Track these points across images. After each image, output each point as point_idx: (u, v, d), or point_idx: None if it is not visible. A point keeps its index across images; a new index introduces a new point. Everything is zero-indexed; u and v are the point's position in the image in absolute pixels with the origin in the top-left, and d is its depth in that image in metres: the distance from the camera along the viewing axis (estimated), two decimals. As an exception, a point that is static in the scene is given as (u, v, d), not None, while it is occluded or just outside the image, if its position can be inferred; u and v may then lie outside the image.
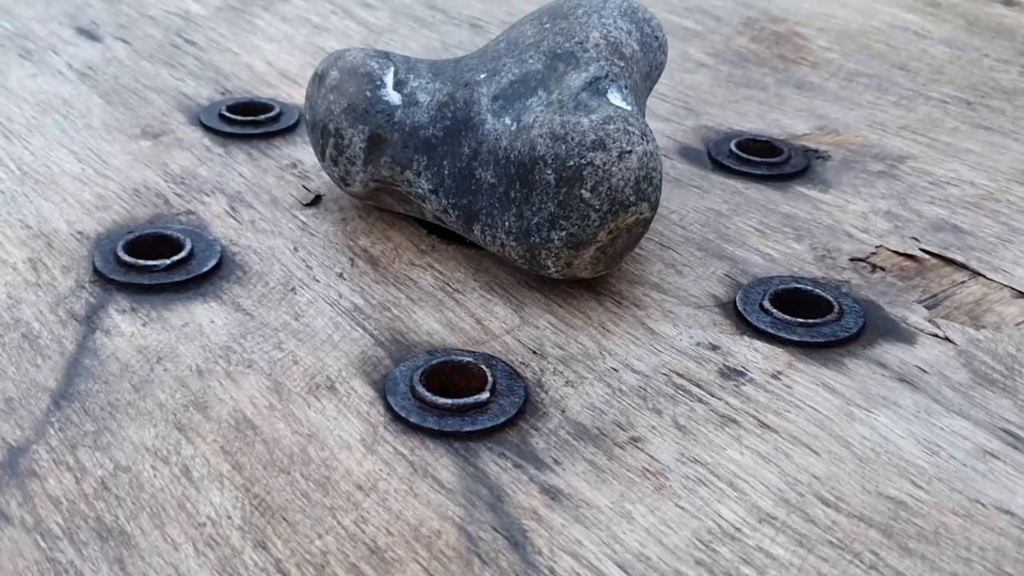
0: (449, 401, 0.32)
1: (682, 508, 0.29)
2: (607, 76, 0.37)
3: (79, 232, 0.40)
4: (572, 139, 0.35)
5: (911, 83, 0.56)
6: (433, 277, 0.39)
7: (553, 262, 0.36)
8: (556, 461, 0.31)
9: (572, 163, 0.35)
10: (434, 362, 0.33)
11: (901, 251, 0.42)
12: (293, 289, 0.37)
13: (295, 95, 0.51)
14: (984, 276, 0.40)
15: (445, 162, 0.38)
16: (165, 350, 0.34)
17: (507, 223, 0.36)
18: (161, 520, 0.28)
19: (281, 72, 0.54)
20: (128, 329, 0.35)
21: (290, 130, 0.48)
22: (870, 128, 0.52)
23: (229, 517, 0.28)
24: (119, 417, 0.31)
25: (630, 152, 0.35)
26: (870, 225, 0.43)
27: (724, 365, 0.35)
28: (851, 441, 0.32)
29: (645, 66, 0.40)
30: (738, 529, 0.29)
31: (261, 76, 0.53)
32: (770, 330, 0.36)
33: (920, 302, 0.39)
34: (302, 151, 0.46)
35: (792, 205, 0.44)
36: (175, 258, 0.37)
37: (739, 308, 0.37)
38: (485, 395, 0.32)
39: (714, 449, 0.31)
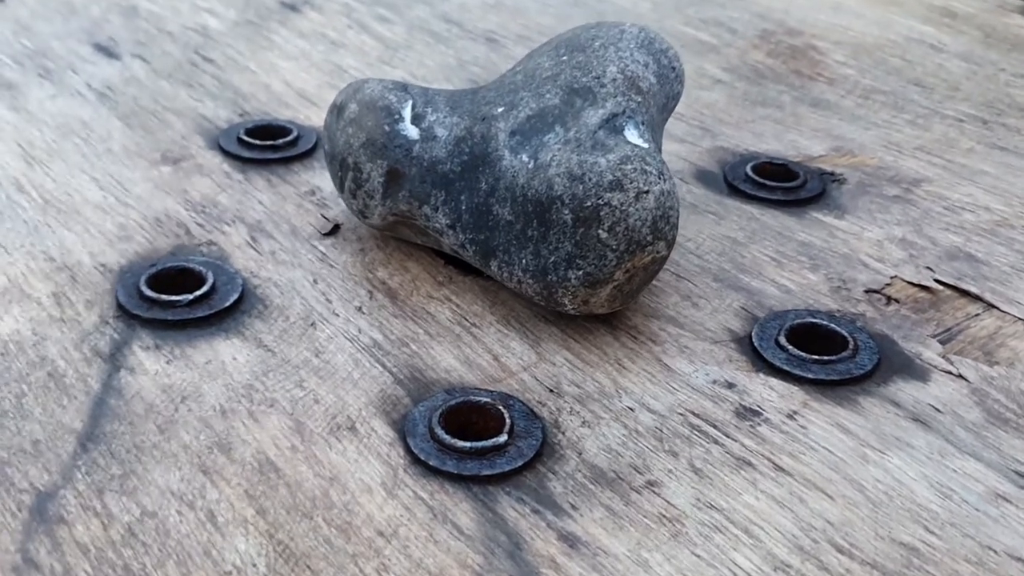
0: (468, 444, 0.32)
1: (698, 556, 0.30)
2: (624, 112, 0.38)
3: (102, 265, 0.40)
4: (589, 180, 0.35)
5: (927, 100, 0.56)
6: (451, 311, 0.39)
7: (570, 300, 0.36)
8: (574, 506, 0.31)
9: (589, 203, 0.35)
10: (452, 403, 0.34)
11: (915, 282, 0.42)
12: (313, 324, 0.38)
13: (312, 117, 0.52)
14: (998, 308, 0.41)
15: (463, 197, 0.38)
16: (189, 389, 0.34)
17: (524, 260, 0.37)
18: (188, 568, 0.28)
19: (299, 92, 0.54)
20: (152, 367, 0.35)
21: (308, 154, 0.48)
22: (886, 149, 0.52)
23: (254, 565, 0.29)
24: (144, 460, 0.32)
25: (647, 192, 0.35)
26: (885, 254, 0.43)
27: (740, 404, 0.35)
28: (865, 484, 0.32)
29: (662, 98, 0.41)
30: (753, 577, 0.29)
31: (279, 96, 0.54)
32: (786, 367, 0.37)
33: (934, 336, 0.39)
34: (320, 177, 0.47)
35: (808, 232, 0.45)
36: (198, 293, 0.38)
37: (755, 344, 0.38)
38: (503, 437, 0.33)
39: (730, 494, 0.32)
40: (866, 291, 0.41)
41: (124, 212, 0.44)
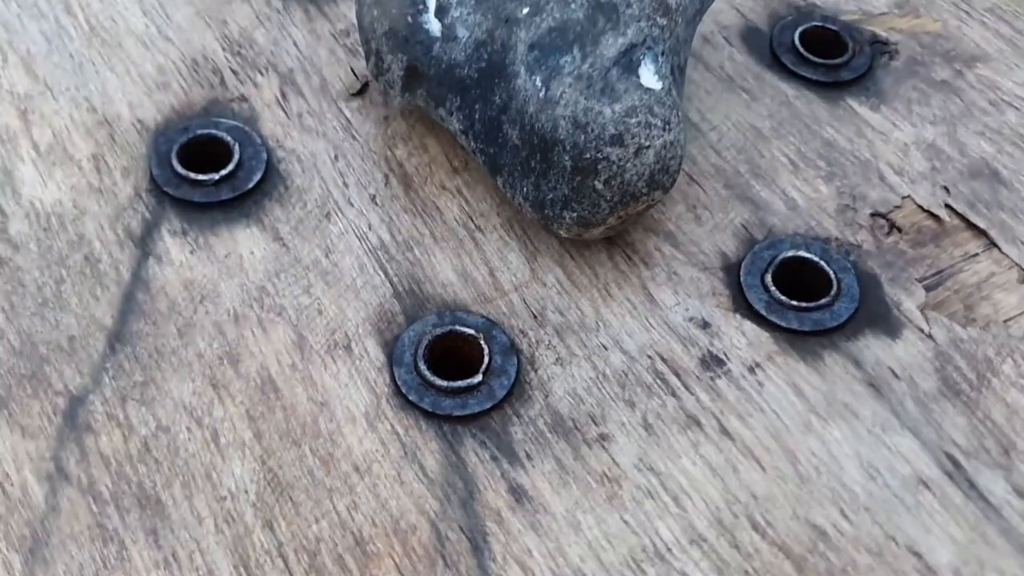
0: (444, 383, 0.36)
1: (626, 522, 0.34)
2: (644, 42, 0.37)
3: (139, 121, 0.42)
4: (592, 130, 0.36)
5: (1024, -66, 0.52)
6: (459, 208, 0.41)
7: (564, 232, 0.38)
8: (528, 456, 0.35)
9: (588, 155, 0.36)
10: (439, 332, 0.37)
11: (925, 206, 0.42)
12: (328, 215, 0.40)
13: (363, -84, 0.50)
14: (999, 248, 0.41)
15: (477, 106, 0.39)
16: (208, 287, 0.38)
17: (525, 189, 0.38)
18: (191, 490, 0.34)
19: None
20: (177, 256, 0.39)
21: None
22: (954, 7, 0.49)
23: (246, 491, 0.34)
24: (163, 367, 0.36)
25: (648, 147, 0.36)
26: (907, 164, 0.43)
27: (708, 351, 0.38)
28: (799, 457, 0.35)
29: (696, 4, 0.39)
30: (669, 550, 0.33)
31: None
32: (763, 311, 0.39)
33: (922, 280, 0.40)
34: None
35: (836, 127, 0.44)
36: (223, 172, 0.40)
37: (741, 279, 0.39)
38: (478, 377, 0.36)
39: (671, 456, 0.35)
40: (872, 214, 0.42)
41: (164, 49, 0.45)
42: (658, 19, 0.37)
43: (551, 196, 0.37)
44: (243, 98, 0.43)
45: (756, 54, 0.47)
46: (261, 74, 0.44)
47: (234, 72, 0.44)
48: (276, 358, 0.37)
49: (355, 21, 0.46)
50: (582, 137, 0.36)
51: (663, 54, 0.37)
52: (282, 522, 0.33)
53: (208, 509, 0.33)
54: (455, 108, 0.39)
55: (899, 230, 0.41)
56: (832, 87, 0.46)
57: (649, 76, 0.37)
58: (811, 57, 0.46)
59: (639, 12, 0.37)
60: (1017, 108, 0.45)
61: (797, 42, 0.46)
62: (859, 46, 0.47)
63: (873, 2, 0.49)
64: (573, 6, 0.38)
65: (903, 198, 0.42)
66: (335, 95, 0.44)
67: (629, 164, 0.36)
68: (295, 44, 0.45)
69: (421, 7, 0.39)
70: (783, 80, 0.46)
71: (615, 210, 0.37)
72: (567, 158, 0.36)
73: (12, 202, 0.40)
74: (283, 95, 0.44)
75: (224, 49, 0.45)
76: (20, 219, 0.39)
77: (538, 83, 0.37)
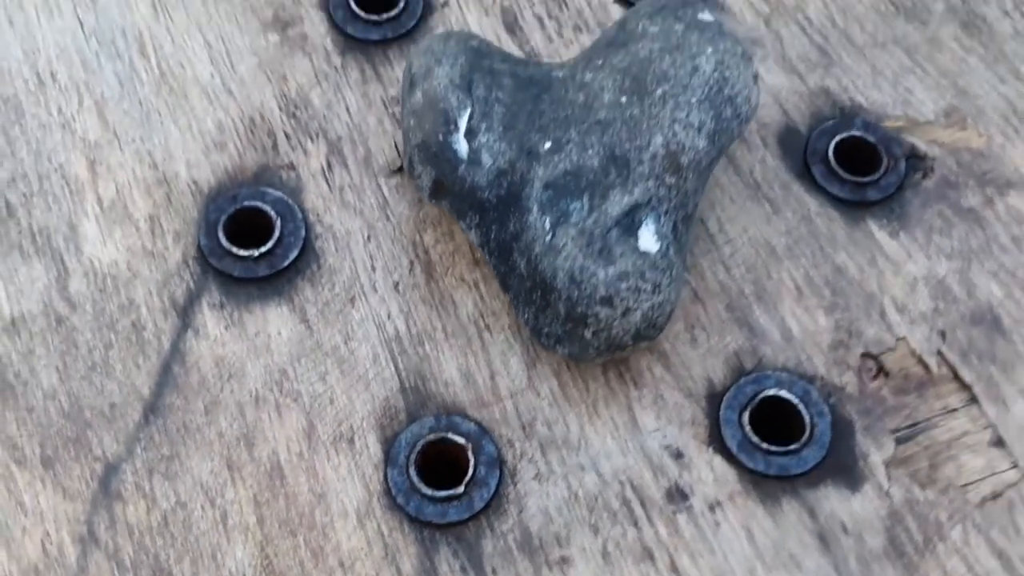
0: (429, 491, 0.40)
1: (568, 647, 0.38)
2: (649, 202, 0.39)
3: (195, 182, 0.46)
4: (585, 289, 0.38)
5: (1100, 37, 0.51)
6: (473, 303, 0.44)
7: (559, 360, 0.41)
8: (494, 571, 0.39)
9: (580, 310, 0.39)
10: (432, 438, 0.41)
11: (918, 352, 0.44)
12: (352, 299, 0.44)
13: (431, -39, 0.52)
14: (979, 406, 0.43)
15: (493, 227, 0.41)
16: (236, 366, 0.43)
17: (527, 315, 0.41)
18: (198, 568, 0.39)
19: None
20: (213, 331, 0.43)
21: (410, 33, 0.50)
22: (1005, 121, 0.49)
23: (244, 572, 0.39)
24: (188, 443, 0.41)
25: (636, 310, 0.38)
26: (911, 301, 0.45)
27: (676, 483, 0.41)
28: (737, 602, 0.39)
29: (713, 152, 0.41)
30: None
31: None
32: (734, 449, 0.41)
33: (895, 432, 0.42)
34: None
35: (849, 254, 0.46)
36: (263, 249, 0.44)
37: (721, 412, 0.42)
38: (461, 489, 0.40)
39: (622, 588, 0.39)
40: (863, 354, 0.44)
41: (225, 104, 0.48)
42: (667, 178, 0.39)
43: (547, 330, 0.40)
44: (291, 166, 0.47)
45: (789, 159, 0.48)
46: (311, 140, 0.47)
47: (287, 136, 0.47)
48: (287, 444, 0.41)
49: (407, 86, 0.48)
50: (576, 292, 0.38)
51: (666, 213, 0.39)
52: (271, 607, 0.39)
53: (211, 587, 0.39)
54: (474, 224, 0.42)
55: (886, 374, 0.43)
56: (857, 206, 0.47)
57: (648, 237, 0.39)
58: (841, 172, 0.47)
59: (649, 171, 0.39)
60: (1038, 247, 0.46)
61: (831, 153, 0.47)
62: (893, 161, 0.47)
63: (921, 107, 0.49)
64: (590, 152, 0.40)
65: (898, 339, 0.44)
66: (377, 169, 0.47)
67: (616, 323, 0.38)
68: (347, 109, 0.48)
69: (452, 127, 0.41)
70: (809, 192, 0.47)
71: (602, 355, 0.40)
72: (561, 306, 0.39)
73: (74, 259, 0.44)
74: (329, 165, 0.47)
75: (281, 109, 0.48)
76: (79, 277, 0.44)
77: (547, 225, 0.40)
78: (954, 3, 0.52)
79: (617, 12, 0.51)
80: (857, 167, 0.47)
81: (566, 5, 0.51)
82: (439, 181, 0.42)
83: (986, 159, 0.48)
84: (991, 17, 0.51)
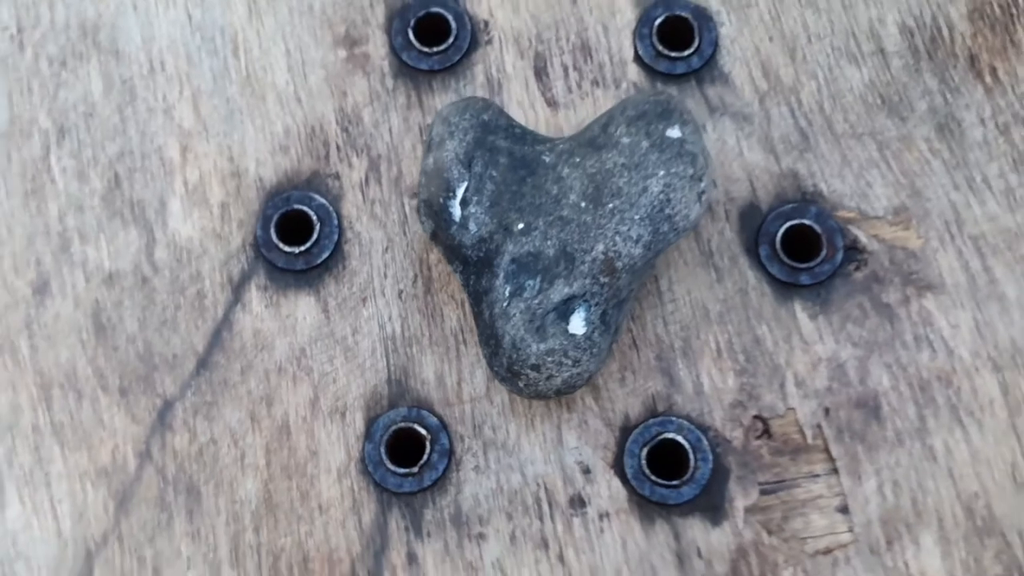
0: (393, 467, 0.53)
1: (470, 601, 0.52)
2: (583, 295, 0.49)
3: (260, 179, 0.58)
4: (520, 355, 0.49)
5: (1060, 158, 0.57)
6: (457, 319, 0.56)
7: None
8: (428, 534, 0.53)
9: (515, 368, 0.50)
10: (402, 425, 0.54)
11: (801, 423, 0.54)
12: (364, 300, 0.56)
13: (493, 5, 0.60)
14: (837, 476, 0.53)
15: (472, 278, 0.52)
16: (268, 340, 0.55)
17: (484, 351, 0.52)
18: (219, 490, 0.54)
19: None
20: (256, 308, 0.56)
21: (455, 67, 0.59)
22: (946, 227, 0.56)
23: (250, 502, 0.53)
24: (225, 395, 0.55)
25: (557, 377, 0.50)
26: (810, 379, 0.54)
27: (579, 493, 0.53)
28: (602, 593, 0.52)
29: (647, 257, 0.50)
30: (489, 628, 0.52)
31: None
32: (629, 476, 0.53)
33: (762, 485, 0.53)
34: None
35: (770, 328, 0.55)
36: (302, 248, 0.56)
37: (627, 444, 0.54)
38: (416, 469, 0.53)
39: (518, 565, 0.52)
40: (755, 416, 0.54)
41: (294, 111, 0.58)
42: (601, 278, 0.49)
43: (495, 369, 0.52)
44: (337, 176, 0.58)
45: (744, 234, 0.56)
46: (357, 155, 0.58)
47: (338, 148, 0.58)
48: (296, 408, 0.55)
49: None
50: (514, 355, 0.50)
51: (596, 304, 0.50)
52: (264, 530, 0.53)
53: (225, 507, 0.54)
54: (459, 270, 0.53)
55: (769, 436, 0.54)
56: (789, 287, 0.56)
57: (577, 322, 0.49)
58: (782, 255, 0.55)
59: (588, 271, 0.49)
60: (934, 349, 0.54)
61: (779, 236, 0.56)
62: (833, 251, 0.56)
63: (874, 202, 0.57)
64: (549, 242, 0.50)
65: (788, 409, 0.54)
66: (403, 189, 0.57)
67: (541, 383, 0.50)
68: (390, 130, 0.58)
69: (451, 195, 0.52)
70: (752, 268, 0.56)
71: (532, 399, 0.51)
72: (504, 360, 0.50)
73: (161, 231, 0.57)
74: (367, 180, 0.58)
75: (337, 123, 0.58)
76: (163, 247, 0.57)
77: (506, 293, 0.50)
78: (937, 104, 0.58)
79: (634, 72, 0.58)
80: (799, 253, 0.56)
81: (591, 58, 0.59)
82: (436, 233, 0.53)
83: (917, 260, 0.56)
84: (966, 123, 0.57)
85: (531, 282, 0.50)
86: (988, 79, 0.58)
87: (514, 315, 0.50)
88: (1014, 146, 0.57)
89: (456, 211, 0.52)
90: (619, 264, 0.50)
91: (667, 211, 0.49)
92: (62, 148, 0.58)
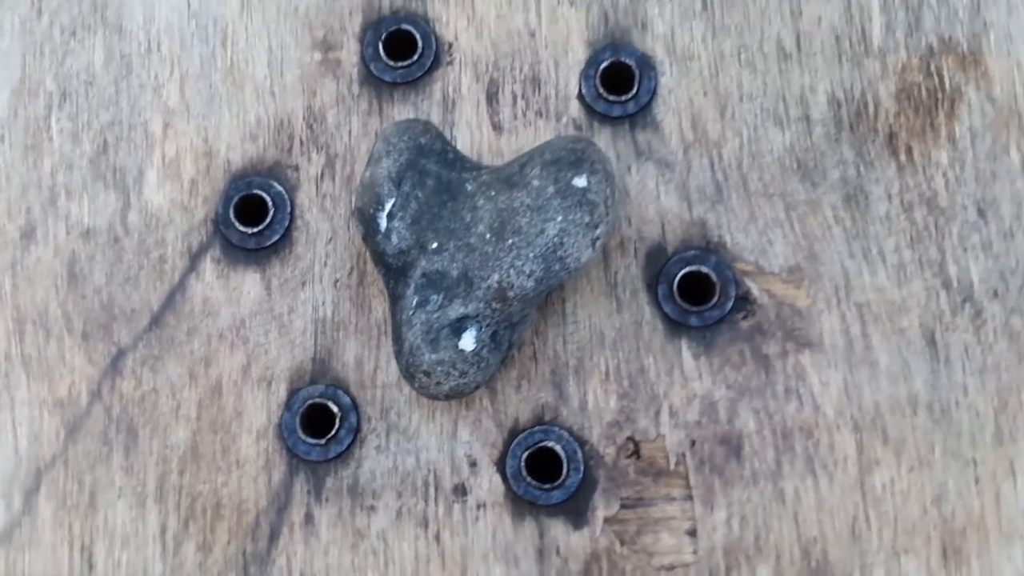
0: (303, 436, 0.61)
1: (353, 563, 0.60)
2: (476, 316, 0.56)
3: (228, 162, 0.64)
4: (415, 362, 0.56)
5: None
6: (383, 311, 0.62)
7: (408, 381, 0.60)
8: (326, 499, 0.60)
9: (410, 371, 0.57)
10: (316, 400, 0.61)
11: (668, 450, 0.60)
12: (303, 283, 0.63)
13: (458, 18, 0.65)
14: (691, 503, 0.59)
15: (391, 282, 0.59)
16: (214, 307, 0.63)
17: (393, 349, 0.59)
18: (154, 434, 0.61)
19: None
20: (208, 278, 0.63)
21: (416, 82, 0.64)
22: (835, 292, 0.61)
23: (178, 447, 0.61)
24: (171, 352, 0.62)
25: (444, 384, 0.56)
26: (683, 411, 0.60)
27: (463, 482, 0.60)
28: (462, 573, 0.59)
29: (539, 289, 0.56)
30: (366, 587, 0.59)
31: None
32: (508, 474, 0.60)
33: (623, 499, 0.60)
34: (417, 114, 0.64)
35: (655, 360, 0.61)
36: (256, 229, 0.63)
37: (511, 446, 0.60)
38: (323, 441, 0.61)
39: (398, 536, 0.60)
40: (628, 437, 0.60)
41: (267, 103, 0.65)
42: (493, 304, 0.55)
43: (399, 366, 0.59)
44: (296, 168, 0.64)
45: (648, 272, 0.62)
46: (317, 152, 0.64)
47: (301, 143, 0.64)
48: (229, 373, 0.62)
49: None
50: (411, 360, 0.56)
51: (487, 326, 0.56)
52: (187, 475, 0.61)
53: (157, 449, 0.61)
54: (381, 272, 0.59)
55: (638, 457, 0.60)
56: (679, 325, 0.61)
57: (468, 339, 0.56)
58: (676, 297, 0.61)
59: (482, 296, 0.55)
60: (801, 402, 0.60)
61: (677, 279, 0.61)
62: (725, 299, 0.61)
63: (772, 260, 0.62)
64: (455, 265, 0.56)
65: (659, 435, 0.60)
66: (352, 188, 0.64)
67: (432, 388, 0.56)
68: (349, 132, 0.64)
69: (379, 207, 0.58)
70: (648, 304, 0.62)
71: (426, 399, 0.58)
72: (403, 361, 0.57)
73: (136, 196, 0.64)
74: (322, 175, 0.64)
75: (304, 119, 0.65)
76: (136, 211, 0.64)
77: (413, 304, 0.57)
78: (849, 175, 0.62)
79: (575, 108, 0.64)
80: (694, 296, 0.61)
81: (539, 90, 0.64)
82: (365, 238, 0.59)
83: (801, 318, 0.61)
84: (873, 196, 0.62)
85: (435, 297, 0.56)
86: (903, 157, 0.62)
87: (416, 324, 0.56)
88: (914, 224, 0.61)
89: (383, 223, 0.58)
90: (511, 294, 0.56)
91: (559, 253, 0.55)
92: (62, 111, 0.65)
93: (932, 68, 0.63)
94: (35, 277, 0.63)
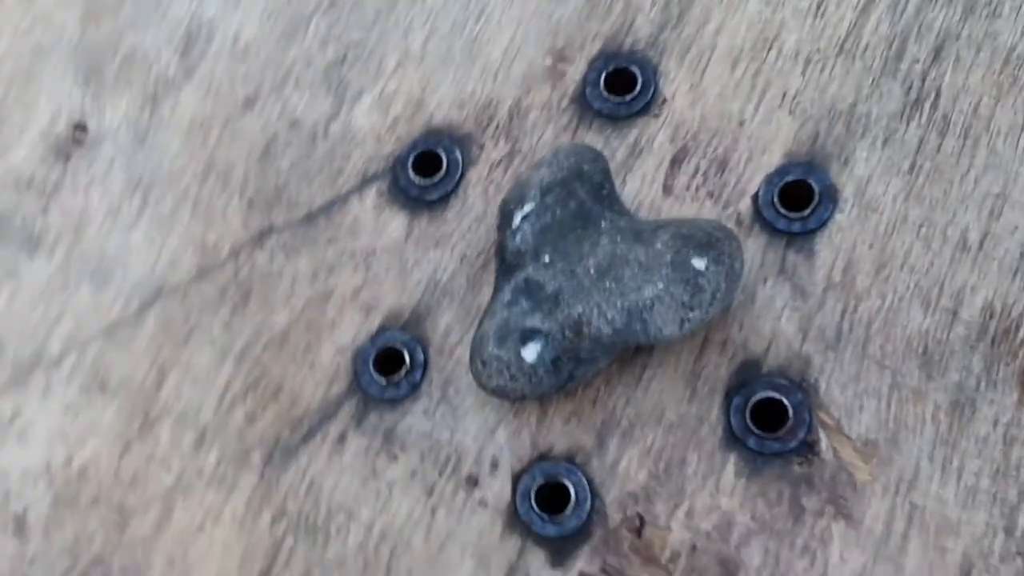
0: (371, 370, 0.66)
1: (365, 499, 0.64)
2: (546, 336, 0.58)
3: (431, 116, 0.70)
4: (479, 349, 0.60)
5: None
6: (487, 298, 0.66)
7: (475, 366, 0.63)
8: (363, 431, 0.65)
9: (473, 354, 0.60)
10: (397, 345, 0.66)
11: (667, 543, 0.60)
12: (437, 244, 0.68)
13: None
14: (665, 599, 0.60)
15: (498, 275, 0.63)
16: (359, 229, 0.69)
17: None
18: (261, 308, 0.68)
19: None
20: (367, 203, 0.69)
21: (624, 120, 0.68)
22: (898, 482, 0.60)
23: (274, 328, 0.68)
24: (308, 248, 0.69)
25: (492, 378, 0.60)
26: (700, 517, 0.61)
27: (478, 476, 0.63)
28: (440, 556, 0.62)
29: (615, 339, 0.58)
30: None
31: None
32: (519, 490, 0.62)
33: (605, 565, 0.61)
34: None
35: (700, 460, 0.61)
36: (426, 182, 0.68)
37: (534, 468, 0.63)
38: (384, 382, 0.65)
39: (400, 494, 0.63)
40: (638, 513, 0.61)
41: (487, 82, 0.70)
42: (567, 331, 0.58)
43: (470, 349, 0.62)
44: (482, 147, 0.69)
45: (733, 379, 0.63)
46: (505, 140, 0.69)
47: (497, 127, 0.69)
48: (343, 287, 0.68)
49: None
50: (478, 344, 0.60)
51: (553, 348, 0.59)
52: (268, 353, 0.67)
53: (258, 322, 0.68)
54: (497, 264, 0.63)
55: (639, 536, 0.61)
56: (736, 440, 0.61)
57: (530, 351, 0.59)
58: (747, 414, 0.61)
59: (561, 320, 0.58)
60: (812, 564, 0.59)
61: (754, 399, 0.61)
62: (792, 438, 0.61)
63: (855, 425, 0.61)
64: (553, 283, 0.59)
65: (667, 526, 0.61)
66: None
67: (483, 378, 0.60)
68: (540, 138, 0.68)
69: (519, 207, 0.62)
70: (719, 407, 0.62)
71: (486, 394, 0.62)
72: (472, 344, 0.61)
73: (346, 111, 0.71)
74: (499, 162, 0.68)
75: (510, 109, 0.69)
76: (340, 123, 0.71)
77: (505, 300, 0.60)
78: (968, 384, 0.60)
79: (747, 205, 0.65)
80: (764, 421, 0.61)
81: (722, 174, 0.66)
82: (498, 227, 0.63)
83: (853, 491, 0.60)
84: (980, 415, 0.60)
85: (524, 302, 0.60)
86: (1031, 393, 0.60)
87: (497, 316, 0.60)
88: (1007, 460, 0.59)
89: (516, 221, 0.62)
90: (586, 330, 0.58)
91: (645, 316, 0.57)
92: (325, 16, 0.73)
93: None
94: (238, 138, 0.72)
